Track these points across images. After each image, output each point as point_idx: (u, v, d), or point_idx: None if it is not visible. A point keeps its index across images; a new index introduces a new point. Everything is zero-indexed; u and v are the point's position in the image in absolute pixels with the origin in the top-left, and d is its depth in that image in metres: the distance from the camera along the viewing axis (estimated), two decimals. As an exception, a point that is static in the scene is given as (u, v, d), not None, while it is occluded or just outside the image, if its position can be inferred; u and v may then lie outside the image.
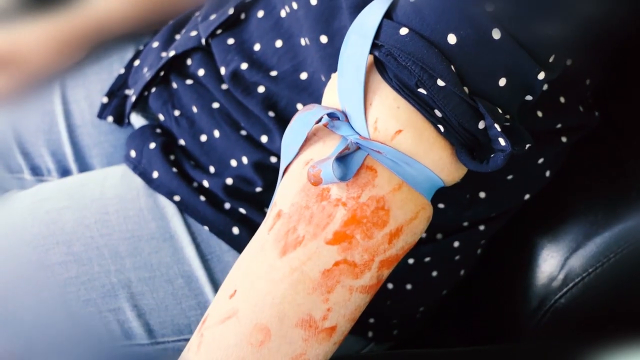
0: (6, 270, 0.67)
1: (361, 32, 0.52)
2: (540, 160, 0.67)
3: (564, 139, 0.67)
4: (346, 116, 0.52)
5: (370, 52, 0.52)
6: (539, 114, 0.64)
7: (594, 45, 0.61)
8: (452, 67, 0.50)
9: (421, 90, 0.50)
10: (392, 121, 0.51)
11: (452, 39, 0.50)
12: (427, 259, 0.70)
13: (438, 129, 0.51)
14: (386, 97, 0.51)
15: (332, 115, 0.52)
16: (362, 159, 0.51)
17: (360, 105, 0.52)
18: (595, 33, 0.56)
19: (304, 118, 0.54)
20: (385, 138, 0.51)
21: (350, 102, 0.52)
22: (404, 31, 0.51)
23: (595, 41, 0.60)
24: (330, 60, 0.62)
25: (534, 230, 0.75)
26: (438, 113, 0.51)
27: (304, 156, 0.53)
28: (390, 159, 0.51)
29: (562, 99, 0.65)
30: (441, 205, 0.67)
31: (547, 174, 0.69)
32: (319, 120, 0.53)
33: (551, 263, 0.73)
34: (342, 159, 0.51)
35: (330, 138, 0.53)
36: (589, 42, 0.57)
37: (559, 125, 0.66)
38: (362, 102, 0.52)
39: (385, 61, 0.51)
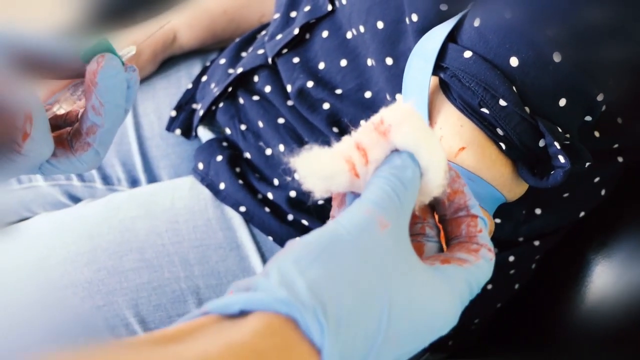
0: (82, 275, 0.71)
1: (423, 55, 0.55)
2: (597, 179, 0.68)
3: (620, 159, 0.68)
4: None
5: (436, 74, 0.54)
6: (596, 134, 0.65)
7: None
8: (514, 88, 0.52)
9: (484, 109, 0.53)
10: (455, 139, 0.54)
11: (514, 61, 0.52)
12: (483, 272, 0.71)
13: (500, 147, 0.54)
14: (450, 116, 0.54)
15: None
16: None
17: None
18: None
19: None
20: (449, 155, 0.54)
21: None
22: (468, 54, 0.53)
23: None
24: (395, 80, 0.65)
25: (587, 246, 0.76)
26: (500, 131, 0.53)
27: None
28: None
29: (619, 120, 0.67)
30: (498, 220, 0.69)
31: (603, 192, 0.70)
32: None
33: (604, 279, 0.74)
34: None
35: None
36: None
37: (615, 145, 0.67)
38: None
39: (450, 82, 0.54)
